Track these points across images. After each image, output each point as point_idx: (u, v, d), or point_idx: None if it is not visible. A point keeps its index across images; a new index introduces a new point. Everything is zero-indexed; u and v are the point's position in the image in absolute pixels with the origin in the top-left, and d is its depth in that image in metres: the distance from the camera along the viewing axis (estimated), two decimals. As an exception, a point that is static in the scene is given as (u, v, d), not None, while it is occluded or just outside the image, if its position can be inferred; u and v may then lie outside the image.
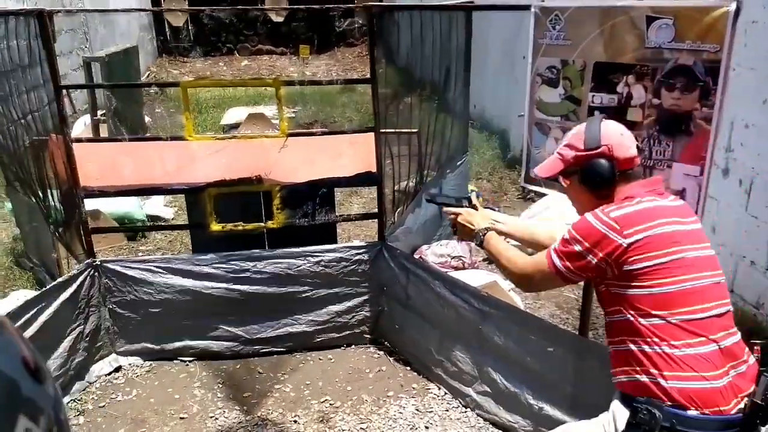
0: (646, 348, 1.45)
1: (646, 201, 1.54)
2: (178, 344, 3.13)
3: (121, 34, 9.10)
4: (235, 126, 6.74)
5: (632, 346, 1.48)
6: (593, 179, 1.60)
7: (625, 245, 1.46)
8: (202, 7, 4.49)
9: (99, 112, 5.54)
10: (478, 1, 3.84)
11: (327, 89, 9.04)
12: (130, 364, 3.08)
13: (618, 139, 1.60)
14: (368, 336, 3.29)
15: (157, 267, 3.04)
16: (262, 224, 3.13)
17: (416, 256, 3.71)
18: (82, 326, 2.89)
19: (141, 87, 6.86)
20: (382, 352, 3.21)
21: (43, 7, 2.83)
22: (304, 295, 3.17)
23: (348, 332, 3.26)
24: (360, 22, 13.40)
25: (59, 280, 2.84)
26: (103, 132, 5.47)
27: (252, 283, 3.10)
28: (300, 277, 3.14)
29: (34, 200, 3.63)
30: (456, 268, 3.81)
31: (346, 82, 7.90)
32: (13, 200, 4.11)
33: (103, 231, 3.77)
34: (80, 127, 5.61)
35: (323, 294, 3.18)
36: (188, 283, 3.06)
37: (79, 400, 2.84)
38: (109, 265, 3.01)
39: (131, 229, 4.38)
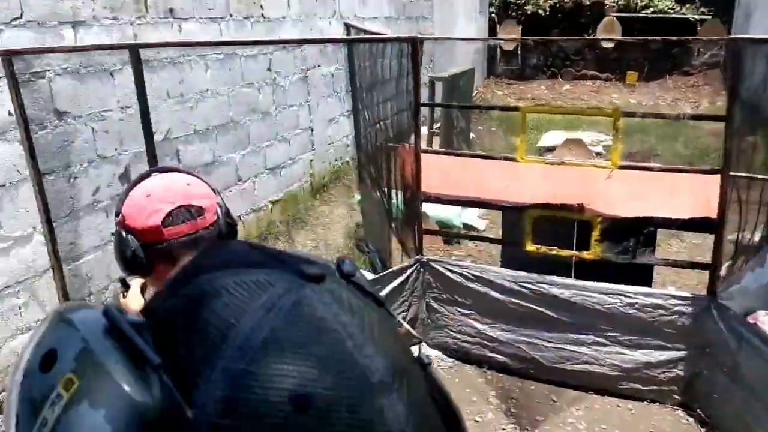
0: None
1: None
2: (478, 351, 3.31)
3: (459, 57, 9.95)
4: (551, 149, 6.78)
5: None
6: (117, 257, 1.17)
7: None
8: (535, 38, 4.62)
9: (435, 125, 6.16)
10: None
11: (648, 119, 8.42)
12: (435, 356, 3.37)
13: (138, 202, 1.14)
14: (677, 397, 2.99)
15: (472, 274, 3.27)
16: (578, 253, 3.10)
17: (749, 321, 3.23)
18: (405, 313, 3.27)
19: (483, 109, 7.44)
20: (691, 419, 2.89)
21: (417, 35, 3.29)
22: (610, 336, 3.03)
23: (654, 387, 3.01)
24: (710, 53, 12.11)
25: (394, 268, 3.26)
26: (435, 144, 6.07)
27: (557, 309, 3.10)
28: (609, 315, 3.02)
29: (379, 197, 4.26)
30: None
31: (695, 117, 7.03)
32: (362, 194, 4.87)
33: (431, 233, 4.19)
34: (411, 136, 6.34)
35: (633, 340, 3.00)
36: (498, 296, 3.20)
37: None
38: (433, 264, 3.34)
39: (454, 236, 4.78)
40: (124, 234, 1.13)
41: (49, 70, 2.93)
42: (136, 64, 2.18)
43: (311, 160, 5.75)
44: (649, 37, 4.70)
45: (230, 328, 0.32)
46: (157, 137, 3.64)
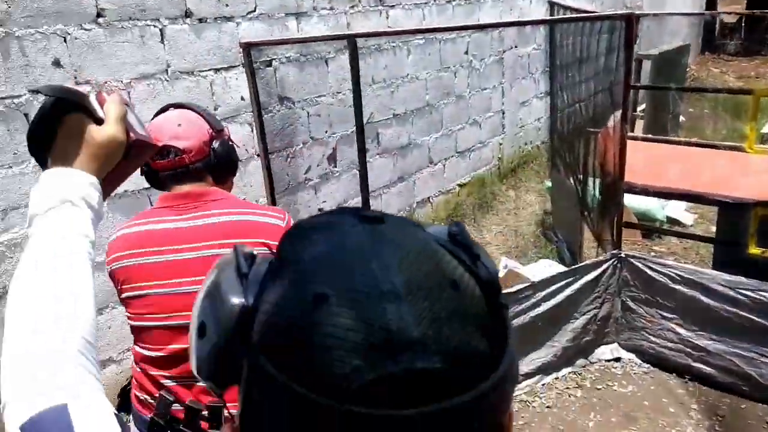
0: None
1: (149, 222, 1.41)
2: (680, 359, 3.04)
3: (669, 32, 9.03)
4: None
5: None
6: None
7: (107, 271, 1.41)
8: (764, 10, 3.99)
9: (638, 108, 5.69)
10: None
11: None
12: (629, 359, 3.17)
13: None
14: None
15: (679, 275, 2.99)
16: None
17: None
18: (597, 310, 3.12)
19: (709, 92, 6.73)
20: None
21: (631, 11, 3.05)
22: None
23: None
24: None
25: (588, 262, 3.11)
26: (638, 128, 5.61)
27: (783, 323, 2.71)
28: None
29: (573, 184, 4.07)
30: None
31: None
32: (553, 180, 4.70)
33: (632, 226, 3.93)
34: (611, 121, 5.91)
35: None
36: (709, 302, 2.90)
37: (579, 374, 3.10)
38: (633, 261, 3.12)
39: (658, 231, 4.42)
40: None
41: (275, 59, 3.26)
42: (352, 52, 2.33)
43: (501, 144, 5.68)
44: None
45: (296, 253, 0.41)
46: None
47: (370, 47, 3.89)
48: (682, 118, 6.91)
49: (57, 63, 2.36)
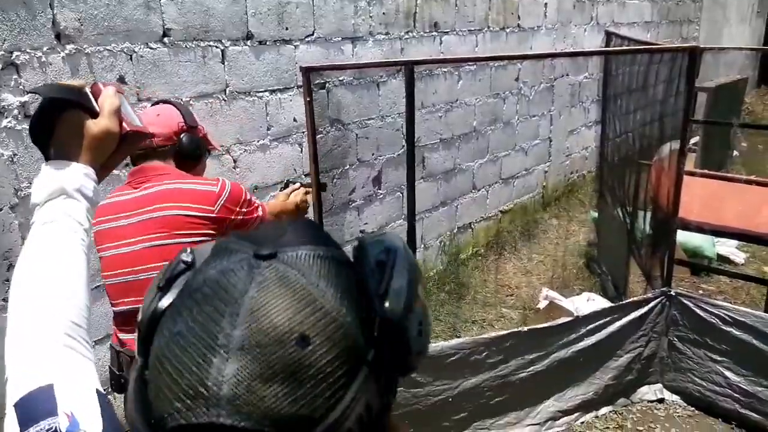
0: None
1: (115, 195, 1.68)
2: (727, 404, 2.93)
3: (725, 64, 8.83)
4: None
5: None
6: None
7: None
8: None
9: (692, 141, 5.56)
10: None
11: None
12: (673, 401, 3.07)
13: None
14: None
15: (731, 317, 2.89)
16: None
17: None
18: (642, 348, 3.03)
19: (766, 129, 6.55)
20: None
21: (697, 44, 3.00)
22: None
23: None
24: None
25: (636, 298, 3.04)
26: (689, 162, 5.48)
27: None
28: None
29: (621, 216, 4.00)
30: None
31: None
32: (600, 211, 4.62)
33: (683, 263, 3.82)
34: (664, 150, 5.78)
35: None
36: (761, 346, 2.79)
37: (620, 414, 3.02)
38: (683, 300, 3.03)
39: (709, 269, 4.29)
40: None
41: (329, 82, 3.32)
42: (409, 78, 2.35)
43: (546, 172, 5.63)
44: None
45: (194, 275, 0.45)
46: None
47: (422, 72, 3.93)
48: (735, 153, 6.72)
49: (122, 79, 2.46)
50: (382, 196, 3.87)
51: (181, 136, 1.70)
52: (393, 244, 0.47)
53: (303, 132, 3.20)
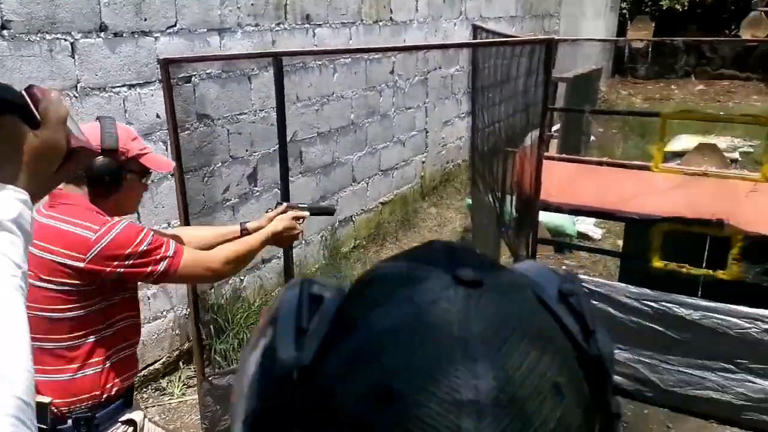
0: None
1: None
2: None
3: (582, 55, 9.56)
4: (681, 155, 6.34)
5: None
6: None
7: None
8: (668, 38, 4.33)
9: (553, 128, 5.98)
10: None
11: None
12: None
13: None
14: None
15: (588, 288, 3.14)
16: (713, 272, 2.90)
17: None
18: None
19: (622, 114, 7.12)
20: None
21: (553, 36, 3.22)
22: (740, 362, 2.81)
23: (789, 422, 2.76)
24: None
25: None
26: (552, 148, 5.89)
27: (681, 331, 2.91)
28: (741, 340, 2.79)
29: (491, 201, 4.22)
30: None
31: None
32: (473, 197, 4.85)
33: (545, 242, 4.10)
34: (527, 140, 6.18)
35: (766, 369, 2.76)
36: (615, 312, 3.07)
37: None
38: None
39: (569, 246, 4.63)
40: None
41: (195, 75, 3.20)
42: (278, 71, 2.31)
43: (423, 162, 5.80)
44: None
45: (367, 311, 0.34)
46: (284, 138, 3.87)
47: (296, 65, 3.89)
48: (592, 138, 7.32)
49: (-46, 76, 2.22)
50: (258, 193, 3.80)
51: (94, 160, 1.46)
52: (568, 273, 0.39)
53: (167, 129, 3.05)
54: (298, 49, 3.87)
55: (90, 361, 1.50)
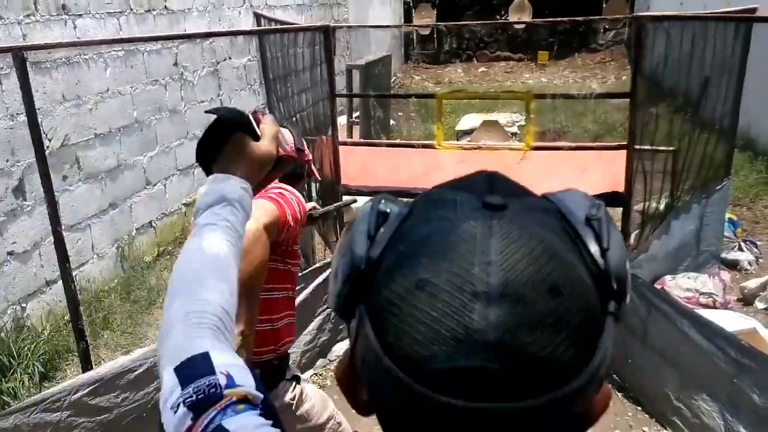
0: None
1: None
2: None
3: (375, 43, 9.91)
4: (469, 132, 6.88)
5: None
6: None
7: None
8: (450, 23, 4.66)
9: (354, 114, 6.11)
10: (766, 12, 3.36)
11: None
12: (363, 350, 3.35)
13: None
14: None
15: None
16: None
17: (657, 287, 3.41)
18: (329, 311, 3.23)
19: (401, 97, 7.42)
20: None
21: (329, 23, 3.23)
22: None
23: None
24: (615, 30, 12.64)
25: (317, 265, 3.21)
26: (356, 133, 6.02)
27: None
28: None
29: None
30: (705, 306, 3.41)
31: (602, 96, 7.34)
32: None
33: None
34: (331, 129, 6.26)
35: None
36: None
37: (320, 375, 3.18)
38: (356, 258, 3.31)
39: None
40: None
41: None
42: (21, 68, 2.00)
43: (228, 157, 5.57)
44: (555, 19, 4.84)
45: (414, 225, 0.46)
46: (54, 144, 3.41)
47: (56, 61, 3.44)
48: (392, 122, 7.64)
49: None
50: (29, 207, 3.31)
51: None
52: (595, 200, 0.48)
53: None
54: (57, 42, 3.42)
55: (282, 316, 1.78)
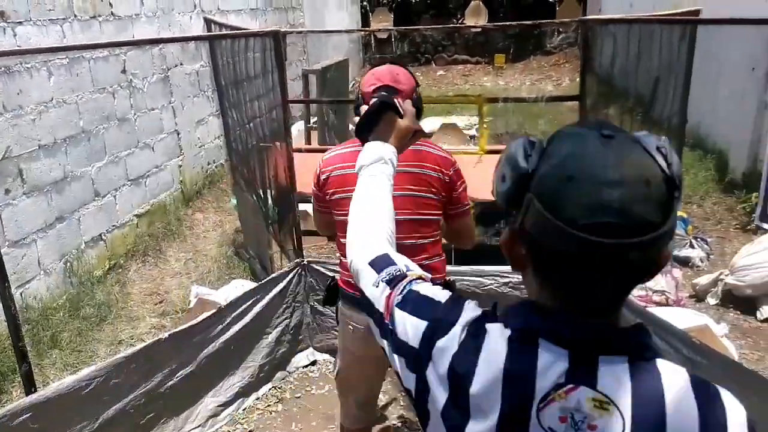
0: None
1: (344, 148, 1.99)
2: (367, 347, 3.29)
3: (333, 47, 9.86)
4: (429, 136, 6.89)
5: None
6: None
7: (323, 177, 1.97)
8: (407, 27, 4.65)
9: (312, 120, 6.04)
10: (709, 14, 3.45)
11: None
12: (324, 360, 3.30)
13: (367, 76, 1.88)
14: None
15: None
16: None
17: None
18: (288, 320, 3.17)
19: (351, 103, 7.31)
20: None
21: (278, 28, 3.17)
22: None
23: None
24: (565, 33, 12.90)
25: (273, 275, 3.14)
26: (314, 138, 5.96)
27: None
28: (486, 296, 3.10)
29: (255, 200, 4.10)
30: (658, 304, 3.49)
31: (553, 99, 7.56)
32: (238, 197, 4.67)
33: (312, 234, 4.09)
34: (294, 133, 6.18)
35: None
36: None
37: (279, 388, 3.11)
38: (315, 266, 3.26)
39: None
40: (359, 95, 1.86)
41: None
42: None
43: (180, 166, 5.44)
44: (505, 23, 4.89)
45: (557, 147, 0.77)
46: (-6, 156, 3.26)
47: (-6, 69, 3.30)
48: (351, 127, 7.60)
49: None
50: (-32, 223, 3.16)
51: (417, 91, 1.85)
52: (661, 137, 0.77)
53: None
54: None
55: (433, 254, 1.96)
